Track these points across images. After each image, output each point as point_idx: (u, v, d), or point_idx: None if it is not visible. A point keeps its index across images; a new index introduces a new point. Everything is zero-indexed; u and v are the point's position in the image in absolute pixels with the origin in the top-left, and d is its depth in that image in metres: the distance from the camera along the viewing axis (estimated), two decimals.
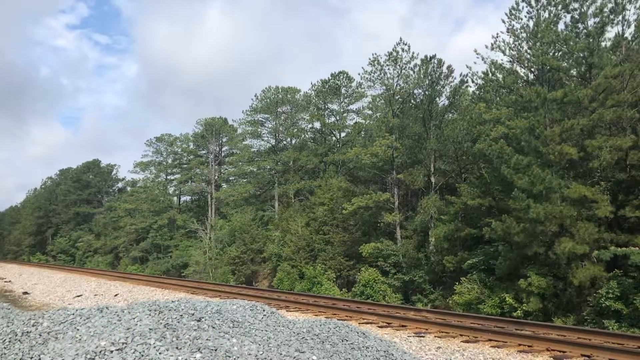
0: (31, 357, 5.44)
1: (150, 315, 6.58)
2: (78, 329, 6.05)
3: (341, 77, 47.71)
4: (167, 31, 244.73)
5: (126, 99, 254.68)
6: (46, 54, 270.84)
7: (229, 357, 5.44)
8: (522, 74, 24.98)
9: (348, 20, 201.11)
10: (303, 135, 51.52)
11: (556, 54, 23.71)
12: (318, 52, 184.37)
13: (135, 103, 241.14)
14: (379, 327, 13.20)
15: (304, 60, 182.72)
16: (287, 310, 16.09)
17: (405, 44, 32.95)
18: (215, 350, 5.52)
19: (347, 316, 14.81)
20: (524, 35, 24.16)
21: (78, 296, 20.44)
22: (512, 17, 24.43)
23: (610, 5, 22.09)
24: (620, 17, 22.43)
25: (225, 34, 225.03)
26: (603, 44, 22.56)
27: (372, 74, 34.25)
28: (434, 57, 32.20)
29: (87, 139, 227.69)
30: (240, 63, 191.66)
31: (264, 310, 8.02)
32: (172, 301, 7.65)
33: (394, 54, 33.17)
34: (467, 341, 11.17)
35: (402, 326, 13.11)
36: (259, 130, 52.36)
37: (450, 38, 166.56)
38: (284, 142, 53.13)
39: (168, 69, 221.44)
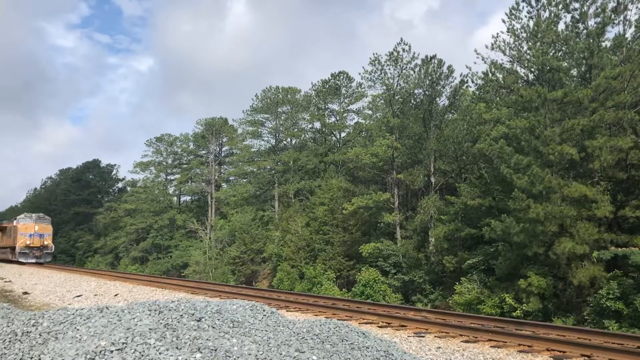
0: (31, 357, 5.44)
1: (150, 315, 6.59)
2: (78, 329, 6.05)
3: (341, 77, 47.77)
4: (188, 26, 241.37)
5: (139, 96, 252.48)
6: (57, 51, 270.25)
7: (229, 357, 5.44)
8: (522, 74, 24.98)
9: (378, 15, 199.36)
10: (303, 135, 51.57)
11: (556, 54, 23.71)
12: (343, 49, 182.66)
13: (149, 100, 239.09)
14: (379, 327, 13.19)
15: (329, 56, 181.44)
16: (287, 310, 16.08)
17: (406, 44, 33.02)
18: (215, 350, 5.52)
19: (347, 316, 14.80)
20: (524, 35, 24.17)
21: (78, 296, 20.45)
22: (513, 17, 24.44)
23: (611, 5, 22.10)
24: (621, 17, 22.43)
25: (249, 29, 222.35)
26: (603, 44, 22.56)
27: (373, 74, 34.30)
28: (434, 57, 32.24)
29: (98, 137, 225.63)
30: (262, 59, 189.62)
31: (264, 310, 8.02)
32: (172, 301, 7.65)
33: (395, 54, 33.20)
34: (467, 341, 11.16)
35: (402, 326, 13.10)
36: (259, 130, 52.41)
37: (475, 31, 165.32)
38: (284, 142, 53.18)
39: (185, 65, 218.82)
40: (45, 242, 43.79)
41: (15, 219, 45.51)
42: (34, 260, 42.31)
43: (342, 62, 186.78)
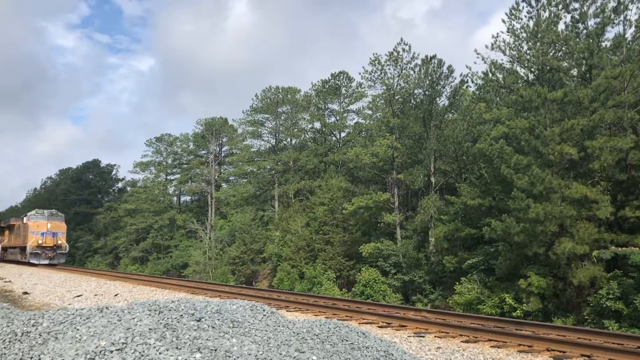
0: (31, 357, 5.44)
1: (150, 315, 6.59)
2: (78, 329, 6.05)
3: (341, 77, 47.76)
4: (188, 26, 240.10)
5: (139, 96, 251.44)
6: (57, 50, 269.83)
7: (229, 357, 5.44)
8: (522, 74, 24.99)
9: (379, 14, 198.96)
10: (303, 135, 51.57)
11: (556, 54, 23.71)
12: (344, 49, 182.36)
13: (149, 100, 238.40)
14: (379, 327, 13.19)
15: (329, 56, 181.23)
16: (287, 310, 16.08)
17: (406, 44, 33.05)
18: (215, 350, 5.51)
19: (347, 316, 14.80)
20: (524, 35, 24.17)
21: (78, 296, 20.45)
22: (513, 17, 24.43)
23: (611, 5, 22.09)
24: (621, 17, 22.44)
25: (249, 29, 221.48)
26: (603, 44, 22.57)
27: (373, 74, 34.34)
28: (434, 57, 32.27)
29: (98, 137, 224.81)
30: (262, 59, 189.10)
31: (264, 310, 8.02)
32: (172, 301, 7.65)
33: (395, 54, 33.22)
34: (467, 341, 11.15)
35: (402, 326, 13.10)
36: (259, 130, 52.43)
37: (475, 31, 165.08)
38: (284, 142, 53.18)
39: (186, 65, 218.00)
40: (59, 242, 39.56)
41: (25, 216, 41.02)
42: (47, 262, 38.14)
43: (342, 62, 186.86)
